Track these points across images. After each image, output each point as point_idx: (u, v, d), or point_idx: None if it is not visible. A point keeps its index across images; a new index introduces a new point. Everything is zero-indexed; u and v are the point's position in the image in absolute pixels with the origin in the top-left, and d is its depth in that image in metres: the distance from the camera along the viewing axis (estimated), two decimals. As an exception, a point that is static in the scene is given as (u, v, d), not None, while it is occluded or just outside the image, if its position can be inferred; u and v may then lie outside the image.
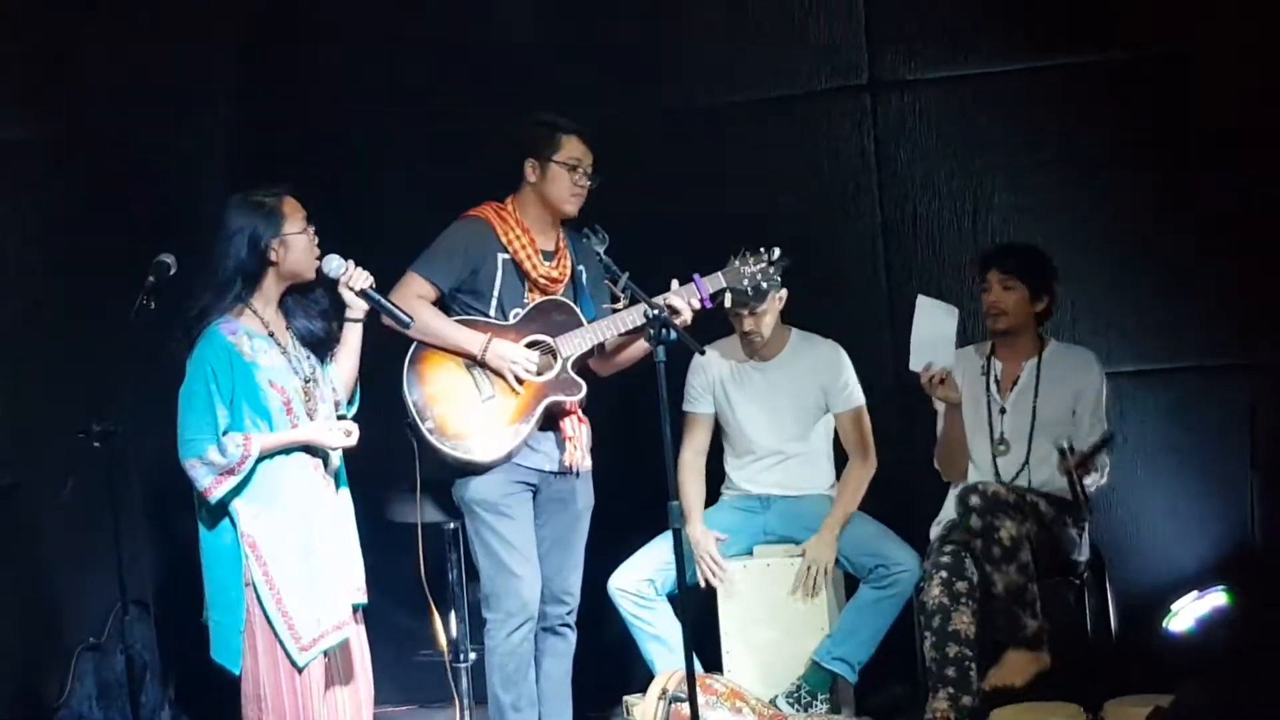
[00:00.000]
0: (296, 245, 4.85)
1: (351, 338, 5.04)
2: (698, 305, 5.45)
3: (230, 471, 4.68)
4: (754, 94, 6.85)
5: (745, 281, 5.57)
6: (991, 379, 5.91)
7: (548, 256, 5.59)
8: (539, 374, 5.48)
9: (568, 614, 5.66)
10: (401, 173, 6.87)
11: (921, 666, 5.61)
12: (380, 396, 5.28)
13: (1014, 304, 5.85)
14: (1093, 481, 5.63)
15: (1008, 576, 5.48)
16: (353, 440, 4.88)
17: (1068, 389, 5.80)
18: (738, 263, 5.58)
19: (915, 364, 5.68)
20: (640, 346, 5.57)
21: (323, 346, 5.01)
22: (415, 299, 5.38)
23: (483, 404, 5.46)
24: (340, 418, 5.01)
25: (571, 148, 5.57)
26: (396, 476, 5.67)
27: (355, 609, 4.96)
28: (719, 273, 5.55)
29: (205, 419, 4.69)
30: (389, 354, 5.39)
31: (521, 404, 5.47)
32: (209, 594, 4.80)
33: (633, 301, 5.38)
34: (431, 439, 5.40)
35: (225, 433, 4.69)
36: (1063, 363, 5.87)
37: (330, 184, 5.55)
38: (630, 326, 5.49)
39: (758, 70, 6.83)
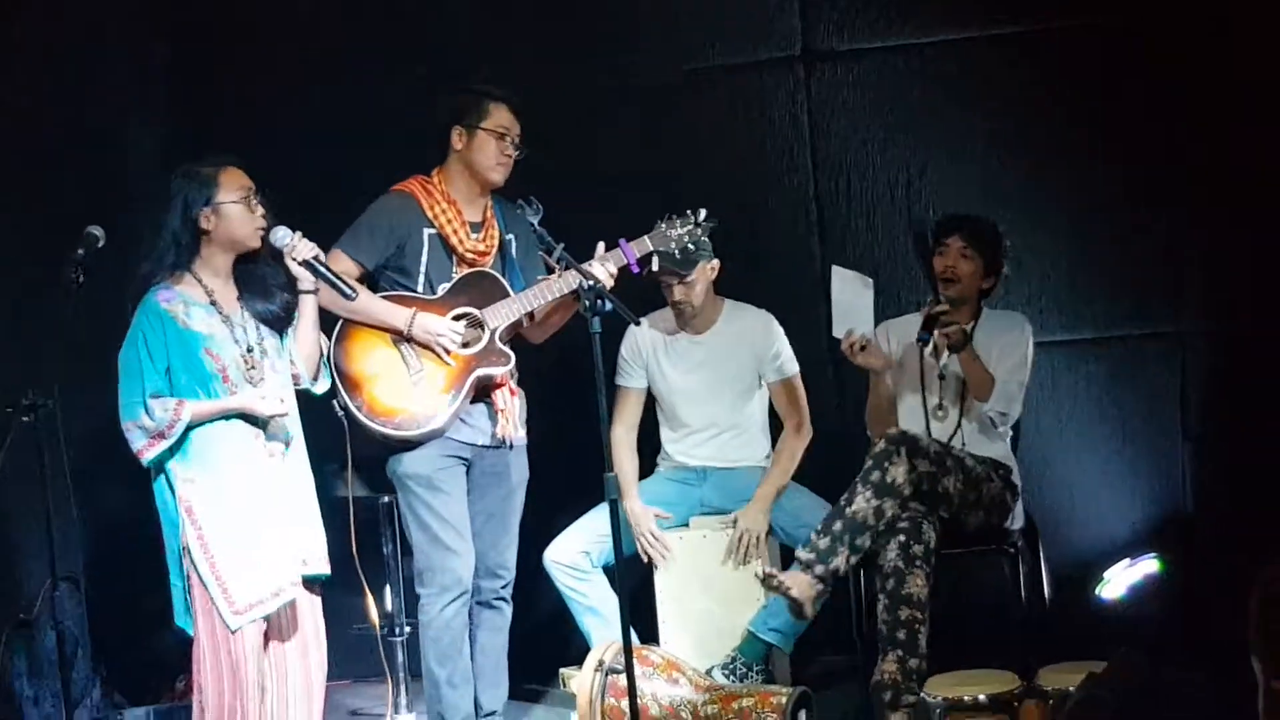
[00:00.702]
0: (230, 214, 4.86)
1: (306, 310, 5.04)
2: (614, 271, 5.40)
3: (161, 435, 4.73)
4: (687, 65, 6.83)
5: (673, 244, 5.55)
6: (926, 350, 5.89)
7: (475, 228, 5.55)
8: (466, 346, 5.46)
9: (503, 588, 5.65)
10: (337, 146, 6.78)
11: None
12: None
13: (968, 273, 5.85)
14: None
15: (866, 505, 5.48)
16: (285, 408, 4.87)
17: (996, 350, 5.80)
18: (664, 226, 5.56)
19: (837, 331, 5.70)
20: (569, 308, 5.55)
21: (279, 322, 5.01)
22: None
23: (412, 379, 5.43)
24: (303, 392, 5.05)
25: (500, 116, 5.53)
26: (329, 452, 5.65)
27: (314, 580, 4.98)
28: (645, 236, 5.53)
29: (137, 383, 4.75)
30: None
31: (451, 377, 5.44)
32: (167, 559, 4.86)
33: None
34: (362, 417, 5.38)
35: (154, 395, 4.73)
36: (994, 327, 5.87)
37: (267, 157, 5.47)
38: (556, 295, 5.46)
39: (691, 41, 6.82)
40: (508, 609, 5.68)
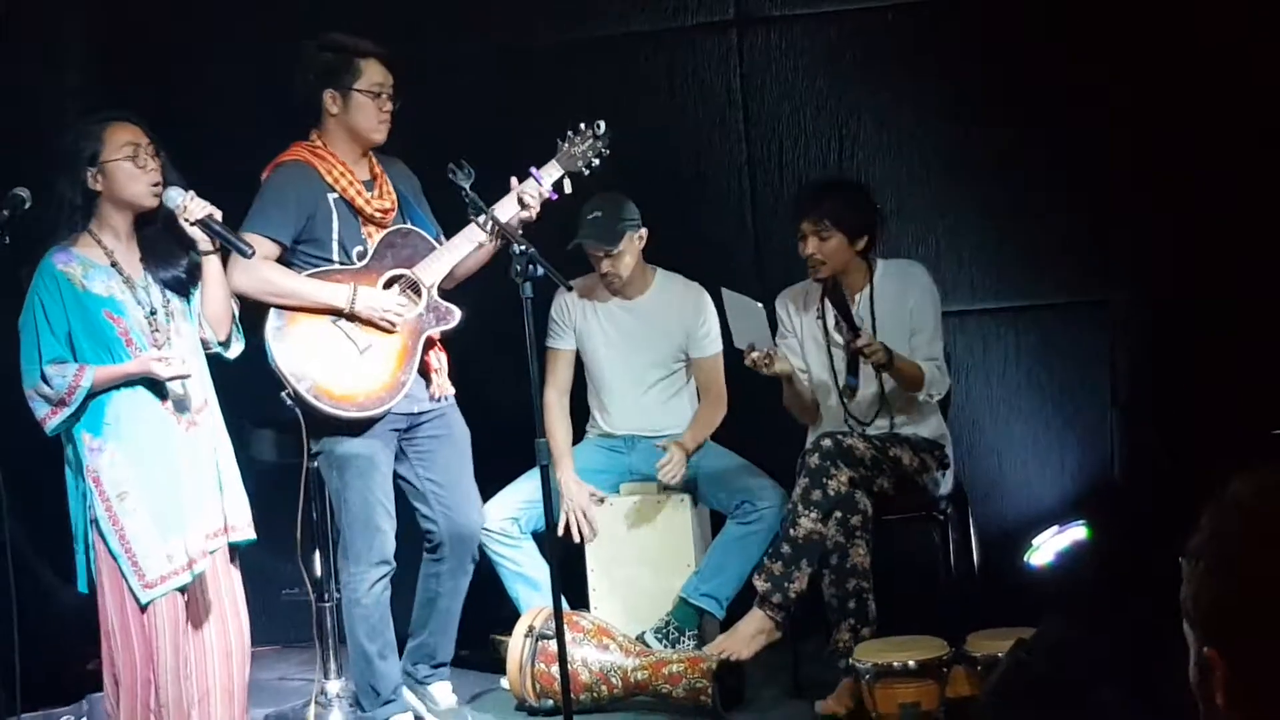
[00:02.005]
0: (117, 172, 4.74)
1: (211, 272, 4.89)
2: (533, 196, 5.39)
3: (62, 402, 4.63)
4: (619, 29, 6.79)
5: (579, 162, 5.54)
6: (828, 322, 5.79)
7: (369, 185, 5.45)
8: (408, 312, 5.39)
9: (474, 551, 5.64)
10: (256, 104, 6.67)
11: (786, 607, 5.62)
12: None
13: (832, 252, 5.65)
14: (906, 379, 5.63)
15: (813, 525, 5.48)
16: (185, 369, 4.73)
17: (903, 310, 5.73)
18: (566, 145, 5.54)
19: (738, 343, 5.62)
20: (480, 256, 5.51)
21: (183, 286, 4.90)
22: (260, 261, 5.15)
23: (361, 356, 5.34)
24: (215, 356, 4.97)
25: (372, 73, 5.41)
26: (253, 413, 5.61)
27: (238, 547, 4.92)
28: (552, 160, 5.50)
29: (35, 350, 4.65)
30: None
31: (401, 346, 5.38)
32: (72, 525, 4.77)
33: (501, 235, 5.31)
34: (320, 405, 5.27)
35: (52, 362, 4.63)
36: (893, 284, 5.76)
37: (182, 116, 5.40)
38: (483, 239, 5.40)
39: (623, 5, 6.78)
40: (472, 568, 5.68)
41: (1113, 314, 6.40)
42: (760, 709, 5.66)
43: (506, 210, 5.37)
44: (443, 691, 5.70)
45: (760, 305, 5.62)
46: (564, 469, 6.11)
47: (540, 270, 4.90)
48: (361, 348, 5.35)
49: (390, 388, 5.35)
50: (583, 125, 5.55)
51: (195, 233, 4.83)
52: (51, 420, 4.66)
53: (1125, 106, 6.20)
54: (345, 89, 5.39)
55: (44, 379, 4.62)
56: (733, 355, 6.08)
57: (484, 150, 5.33)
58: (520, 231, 5.26)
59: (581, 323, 6.24)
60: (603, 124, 5.55)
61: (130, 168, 4.74)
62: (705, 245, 6.60)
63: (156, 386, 4.75)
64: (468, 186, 5.15)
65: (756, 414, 6.27)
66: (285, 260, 5.39)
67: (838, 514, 5.47)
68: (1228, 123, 6.07)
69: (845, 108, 6.63)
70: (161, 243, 4.86)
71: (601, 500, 6.16)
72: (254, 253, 4.98)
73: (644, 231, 6.09)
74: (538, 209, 5.40)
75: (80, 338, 4.68)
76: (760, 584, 5.55)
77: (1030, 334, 6.53)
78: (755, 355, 5.52)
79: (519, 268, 4.85)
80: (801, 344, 5.85)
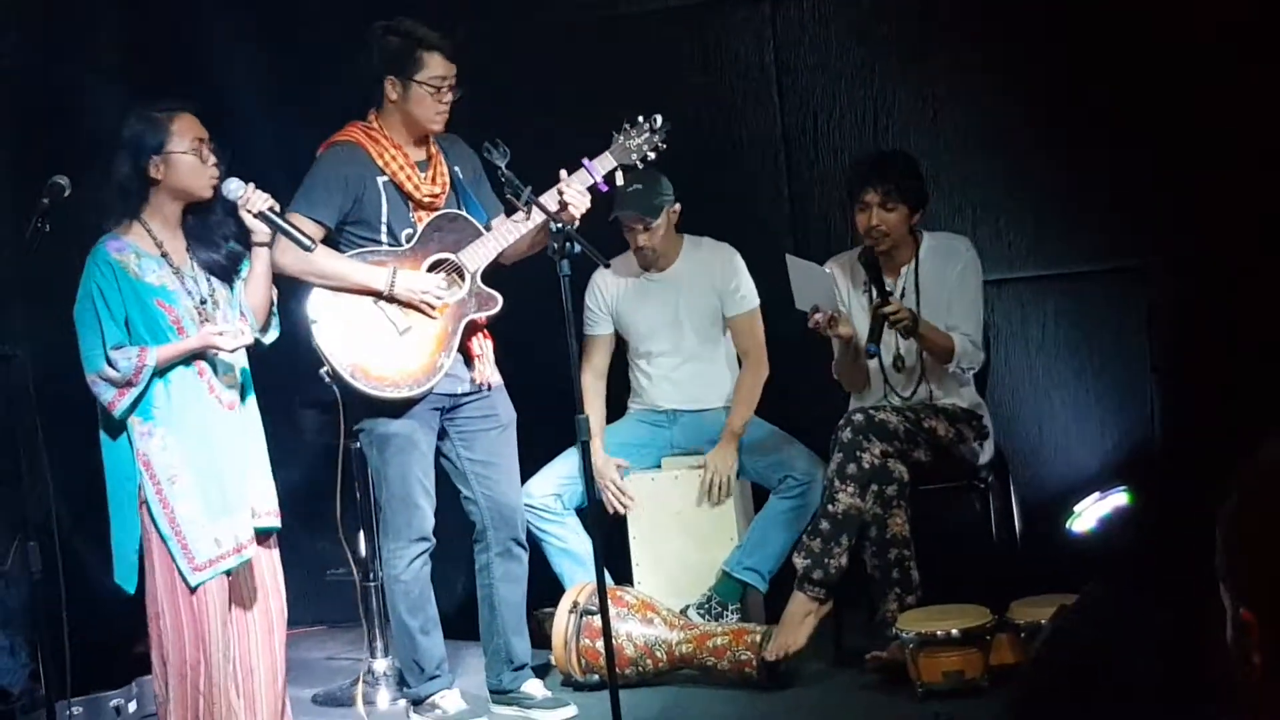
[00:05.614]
0: (181, 164, 4.76)
1: (259, 263, 4.92)
2: (584, 191, 5.33)
3: (129, 384, 4.65)
4: (652, 4, 6.79)
5: (634, 155, 5.48)
6: (872, 294, 5.76)
7: (422, 166, 5.43)
8: (449, 295, 5.40)
9: (517, 531, 5.59)
10: (298, 94, 6.71)
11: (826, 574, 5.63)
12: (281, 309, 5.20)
13: (895, 223, 5.68)
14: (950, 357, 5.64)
15: (851, 499, 5.48)
16: (247, 339, 4.78)
17: (944, 284, 5.75)
18: (621, 138, 5.48)
19: (800, 304, 5.63)
20: (530, 241, 5.46)
21: (225, 272, 4.93)
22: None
23: (401, 338, 5.35)
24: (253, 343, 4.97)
25: (434, 65, 5.36)
26: (298, 393, 5.64)
27: (266, 533, 4.93)
28: (606, 152, 5.45)
29: (96, 336, 4.67)
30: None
31: (441, 329, 5.38)
32: (110, 514, 4.78)
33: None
34: (357, 384, 5.29)
35: (115, 347, 4.65)
36: (938, 258, 5.78)
37: (227, 107, 5.41)
38: (531, 228, 5.38)
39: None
40: (524, 555, 5.62)
41: (1150, 279, 6.37)
42: (804, 679, 5.67)
43: (553, 200, 5.30)
44: (534, 687, 5.61)
45: (827, 269, 5.63)
46: (594, 450, 6.04)
47: (577, 248, 4.91)
48: (401, 329, 5.36)
49: (428, 370, 5.35)
50: (640, 118, 5.50)
51: (255, 224, 4.87)
52: (120, 402, 4.67)
53: (1159, 72, 6.16)
54: (406, 79, 5.35)
55: (109, 363, 4.64)
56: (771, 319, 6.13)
57: (519, 125, 5.33)
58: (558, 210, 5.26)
59: (617, 302, 6.26)
60: (659, 118, 5.50)
61: (194, 161, 4.78)
62: (741, 218, 6.60)
63: (201, 372, 4.79)
64: (504, 165, 5.15)
65: (797, 378, 6.27)
66: (333, 240, 5.40)
67: (874, 486, 5.47)
68: (1266, 84, 6.02)
69: (879, 79, 6.61)
70: (205, 231, 4.89)
71: (626, 470, 6.19)
72: (314, 246, 5.03)
73: (678, 206, 6.10)
74: (581, 209, 5.31)
75: (137, 324, 4.71)
76: (800, 561, 5.55)
77: (1068, 301, 6.50)
78: (819, 316, 5.54)
79: (555, 245, 4.86)
80: (851, 314, 5.83)
